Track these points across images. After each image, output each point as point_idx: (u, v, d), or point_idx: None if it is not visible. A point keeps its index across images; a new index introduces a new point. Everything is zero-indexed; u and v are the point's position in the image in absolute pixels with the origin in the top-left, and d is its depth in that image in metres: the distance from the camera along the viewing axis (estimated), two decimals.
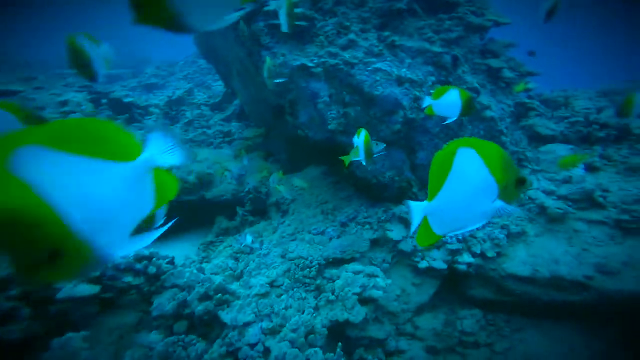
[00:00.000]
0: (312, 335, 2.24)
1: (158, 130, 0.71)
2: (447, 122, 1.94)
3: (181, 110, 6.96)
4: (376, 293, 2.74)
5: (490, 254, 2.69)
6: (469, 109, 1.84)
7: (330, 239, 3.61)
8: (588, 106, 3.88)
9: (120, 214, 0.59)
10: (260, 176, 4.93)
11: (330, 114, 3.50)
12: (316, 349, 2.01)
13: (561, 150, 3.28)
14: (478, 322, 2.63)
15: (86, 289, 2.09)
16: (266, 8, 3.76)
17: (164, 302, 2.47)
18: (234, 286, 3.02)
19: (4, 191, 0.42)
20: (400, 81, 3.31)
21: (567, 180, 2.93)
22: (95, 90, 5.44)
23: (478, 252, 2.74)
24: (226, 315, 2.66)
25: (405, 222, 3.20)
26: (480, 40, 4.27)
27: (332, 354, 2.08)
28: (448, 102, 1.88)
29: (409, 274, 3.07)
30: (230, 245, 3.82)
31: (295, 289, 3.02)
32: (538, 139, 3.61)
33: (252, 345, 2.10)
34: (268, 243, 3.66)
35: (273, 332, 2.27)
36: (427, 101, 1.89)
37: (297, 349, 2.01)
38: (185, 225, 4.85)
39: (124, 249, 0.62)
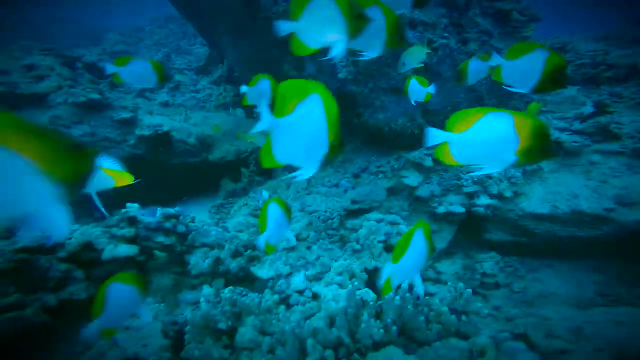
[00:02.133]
0: (354, 279, 2.19)
1: None
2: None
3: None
4: None
5: (507, 193, 2.67)
6: (554, 82, 1.20)
7: (345, 190, 3.48)
8: (593, 49, 3.77)
9: None
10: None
11: (340, 62, 3.17)
12: (366, 289, 1.95)
13: (569, 91, 3.20)
14: (497, 264, 2.68)
15: (126, 249, 1.90)
16: None
17: (199, 261, 2.30)
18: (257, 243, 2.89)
19: None
20: (412, 24, 3.00)
21: (578, 117, 2.89)
22: (62, 54, 4.43)
23: (495, 192, 2.71)
24: (259, 271, 2.55)
25: (420, 167, 3.11)
26: None
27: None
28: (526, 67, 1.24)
29: (427, 220, 3.05)
30: (246, 204, 3.62)
31: (320, 241, 2.94)
32: None
33: (301, 292, 2.02)
34: (285, 198, 3.50)
35: (316, 279, 2.19)
36: (496, 59, 1.31)
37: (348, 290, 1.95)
38: (190, 190, 4.56)
39: None
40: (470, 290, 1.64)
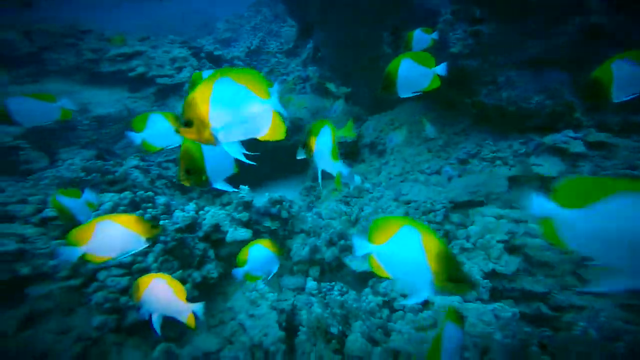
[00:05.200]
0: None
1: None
2: None
3: (261, 59, 6.51)
4: (532, 241, 2.13)
5: None
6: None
7: (450, 178, 2.97)
8: None
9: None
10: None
11: (454, 34, 2.56)
12: (500, 304, 1.58)
13: None
14: None
15: (243, 233, 2.03)
16: None
17: (299, 248, 2.28)
18: (352, 232, 2.74)
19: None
20: None
21: None
22: (192, 45, 5.35)
23: None
24: (352, 263, 2.41)
25: (563, 153, 2.35)
26: None
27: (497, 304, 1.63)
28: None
29: None
30: (336, 189, 3.51)
31: None
32: None
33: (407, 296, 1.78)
34: (377, 185, 3.23)
35: None
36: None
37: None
38: (281, 171, 4.72)
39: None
40: None
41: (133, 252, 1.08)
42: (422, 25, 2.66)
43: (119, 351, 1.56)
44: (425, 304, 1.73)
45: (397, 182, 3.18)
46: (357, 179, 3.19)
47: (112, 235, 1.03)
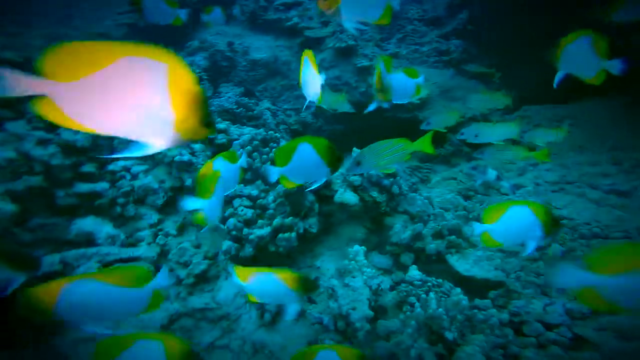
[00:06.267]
0: None
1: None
2: None
3: (396, 24, 5.96)
4: None
5: None
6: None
7: None
8: None
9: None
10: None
11: None
12: None
13: None
14: None
15: (350, 197, 1.90)
16: None
17: (401, 230, 1.98)
18: (466, 230, 2.23)
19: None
20: None
21: None
22: None
23: None
24: (457, 263, 1.96)
25: None
26: None
27: None
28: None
29: None
30: (456, 179, 2.93)
31: None
32: None
33: (551, 326, 1.28)
34: (517, 187, 2.51)
35: (582, 317, 1.33)
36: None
37: None
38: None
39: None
40: None
41: (318, 184, 1.04)
42: None
43: (227, 277, 1.68)
44: (585, 343, 1.19)
45: (547, 191, 2.39)
46: (492, 173, 2.55)
47: (308, 160, 0.99)
